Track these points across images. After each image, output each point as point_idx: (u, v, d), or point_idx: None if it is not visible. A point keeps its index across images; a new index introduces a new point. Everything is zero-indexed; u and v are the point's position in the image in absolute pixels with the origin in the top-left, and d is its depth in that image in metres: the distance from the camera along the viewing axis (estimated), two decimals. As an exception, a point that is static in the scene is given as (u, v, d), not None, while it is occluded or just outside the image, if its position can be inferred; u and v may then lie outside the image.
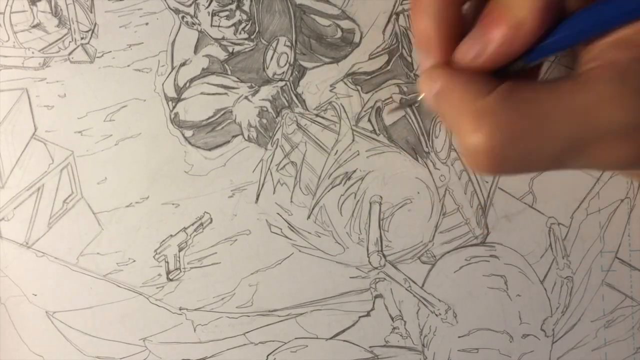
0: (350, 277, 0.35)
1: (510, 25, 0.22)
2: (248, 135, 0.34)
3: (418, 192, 0.34)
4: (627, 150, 0.22)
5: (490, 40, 0.22)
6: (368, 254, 0.34)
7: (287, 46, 0.34)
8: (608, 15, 0.22)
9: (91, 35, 0.34)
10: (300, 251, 0.34)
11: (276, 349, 0.35)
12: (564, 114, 0.21)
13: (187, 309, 0.35)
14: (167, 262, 0.34)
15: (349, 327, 0.35)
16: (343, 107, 0.34)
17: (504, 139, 0.22)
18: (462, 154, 0.24)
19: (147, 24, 0.34)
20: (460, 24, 0.25)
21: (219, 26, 0.34)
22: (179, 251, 0.34)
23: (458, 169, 0.34)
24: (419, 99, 0.26)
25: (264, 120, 0.34)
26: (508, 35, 0.22)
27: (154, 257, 0.34)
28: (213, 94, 0.34)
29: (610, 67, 0.21)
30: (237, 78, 0.34)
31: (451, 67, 0.24)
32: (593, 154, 0.22)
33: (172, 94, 0.34)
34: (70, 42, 0.34)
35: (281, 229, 0.34)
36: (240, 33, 0.34)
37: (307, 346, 0.35)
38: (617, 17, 0.22)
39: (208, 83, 0.34)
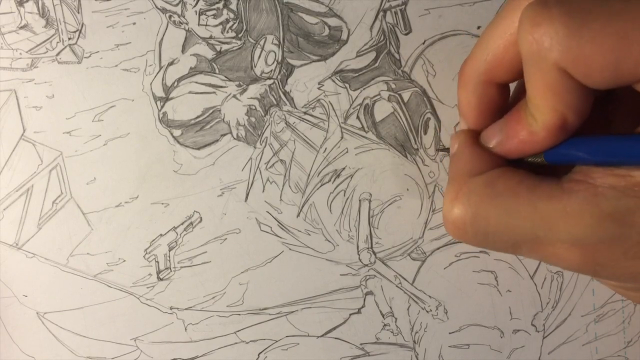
0: (341, 275, 0.35)
1: (527, 132, 0.24)
2: (237, 134, 0.34)
3: (407, 189, 0.34)
4: (574, 259, 0.24)
5: (508, 137, 0.25)
6: (358, 252, 0.35)
7: (275, 44, 0.34)
8: (604, 152, 0.23)
9: (79, 35, 0.34)
10: (290, 249, 0.34)
11: (267, 347, 0.35)
12: (529, 214, 0.24)
13: (177, 309, 0.35)
14: (157, 262, 0.34)
15: (340, 325, 0.35)
16: (331, 104, 0.34)
17: (469, 218, 0.25)
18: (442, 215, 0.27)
19: (134, 23, 0.34)
20: (501, 102, 0.28)
21: (206, 25, 0.34)
22: (169, 250, 0.34)
23: (447, 166, 0.34)
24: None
25: (253, 119, 0.34)
26: (523, 139, 0.25)
27: (144, 256, 0.34)
28: (201, 93, 0.34)
29: (588, 186, 0.23)
30: (225, 77, 0.34)
31: (474, 136, 0.28)
32: (545, 253, 0.24)
33: (160, 93, 0.34)
34: (57, 42, 0.34)
35: (271, 227, 0.34)
36: (227, 32, 0.34)
37: (298, 344, 0.35)
38: (613, 156, 0.23)
39: (196, 82, 0.34)
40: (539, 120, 0.24)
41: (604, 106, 0.25)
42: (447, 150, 0.34)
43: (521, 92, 0.28)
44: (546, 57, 0.22)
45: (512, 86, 0.28)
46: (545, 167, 0.26)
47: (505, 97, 0.28)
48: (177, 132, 0.34)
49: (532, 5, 0.22)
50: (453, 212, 0.26)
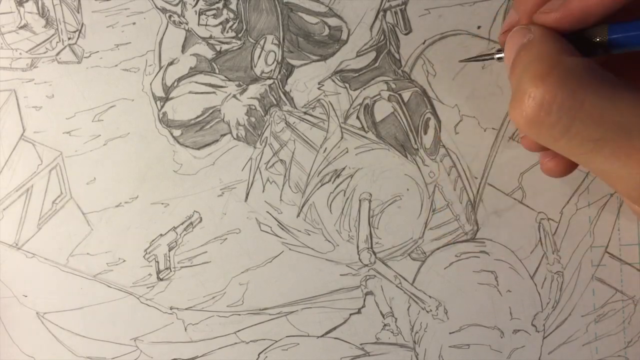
0: (341, 275, 0.35)
1: None
2: (237, 134, 0.34)
3: (407, 189, 0.34)
4: None
5: None
6: (358, 252, 0.34)
7: (275, 44, 0.34)
8: None
9: (78, 35, 0.34)
10: (290, 249, 0.34)
11: (267, 347, 0.35)
12: (628, 108, 0.22)
13: (177, 309, 0.35)
14: (157, 262, 0.34)
15: (340, 325, 0.35)
16: (331, 104, 0.34)
17: (561, 99, 0.22)
18: (511, 102, 0.24)
19: (134, 23, 0.34)
20: None
21: (206, 25, 0.34)
22: (169, 250, 0.34)
23: (447, 166, 0.34)
24: (497, 55, 0.28)
25: (253, 119, 0.34)
26: None
27: (144, 256, 0.34)
28: (201, 92, 0.34)
29: None
30: (225, 77, 0.34)
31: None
32: (632, 158, 0.22)
33: (160, 93, 0.34)
34: (57, 42, 0.34)
35: (271, 228, 0.34)
36: (227, 32, 0.34)
37: (298, 344, 0.35)
38: None
39: (196, 82, 0.34)
40: None
41: None
42: (477, 58, 0.32)
43: None
44: None
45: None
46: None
47: None
48: (177, 132, 0.34)
49: None
50: (539, 91, 0.23)
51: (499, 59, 0.29)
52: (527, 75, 0.23)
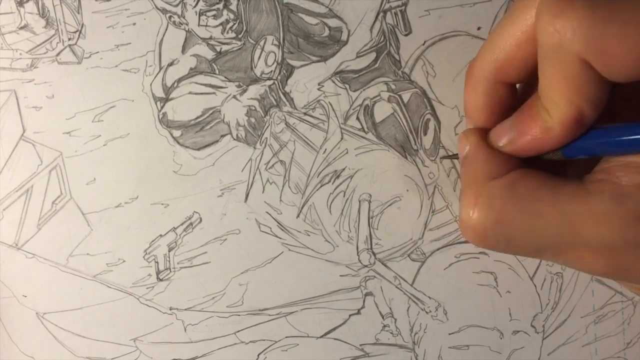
0: (340, 276, 0.35)
1: (541, 128, 0.24)
2: (237, 135, 0.34)
3: (407, 190, 0.34)
4: (600, 264, 0.23)
5: (520, 134, 0.24)
6: (358, 252, 0.35)
7: (275, 45, 0.34)
8: (621, 140, 0.23)
9: (78, 36, 0.34)
10: (290, 250, 0.34)
11: (267, 348, 0.35)
12: (554, 218, 0.23)
13: (177, 309, 0.35)
14: (157, 262, 0.34)
15: (339, 326, 0.35)
16: (331, 105, 0.34)
17: (490, 224, 0.24)
18: (459, 219, 0.26)
19: (134, 24, 0.34)
20: (509, 102, 0.27)
21: (206, 26, 0.34)
22: (169, 251, 0.34)
23: (447, 166, 0.34)
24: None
25: (253, 120, 0.34)
26: (537, 136, 0.24)
27: (143, 257, 0.34)
28: (201, 93, 0.34)
29: (614, 186, 0.22)
30: (225, 77, 0.34)
31: (485, 136, 0.27)
32: (569, 258, 0.24)
33: (160, 94, 0.34)
34: (57, 43, 0.34)
35: (270, 228, 0.34)
36: (227, 32, 0.34)
37: (297, 345, 0.35)
38: (629, 144, 0.22)
39: (196, 83, 0.34)
40: (554, 115, 0.23)
41: (611, 97, 0.25)
42: (451, 157, 0.34)
43: (527, 91, 0.28)
44: (568, 48, 0.21)
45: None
46: (559, 164, 0.26)
47: (513, 96, 0.27)
48: (177, 133, 0.34)
49: None
50: (473, 218, 0.25)
51: None
52: (462, 201, 0.26)
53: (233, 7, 0.34)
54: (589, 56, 0.21)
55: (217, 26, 0.34)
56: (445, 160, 0.34)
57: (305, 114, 0.34)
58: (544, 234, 0.24)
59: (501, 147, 0.26)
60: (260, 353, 0.35)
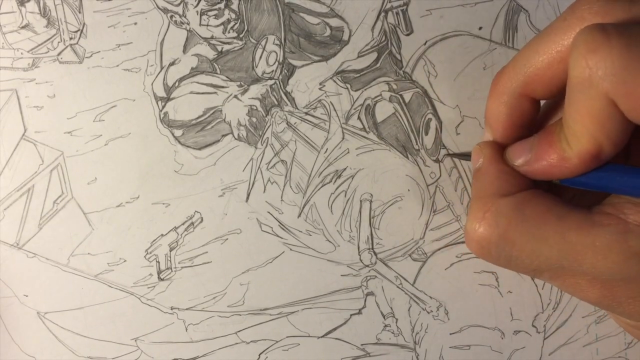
0: (342, 275, 0.35)
1: (558, 156, 0.24)
2: (238, 134, 0.34)
3: (408, 190, 0.34)
4: (595, 294, 0.24)
5: (537, 158, 0.25)
6: (359, 252, 0.34)
7: (276, 45, 0.34)
8: (630, 183, 0.23)
9: (80, 35, 0.34)
10: (291, 250, 0.34)
11: (268, 348, 0.35)
12: (557, 243, 0.24)
13: (178, 309, 0.35)
14: (158, 262, 0.34)
15: (340, 325, 0.35)
16: (332, 105, 0.34)
17: (495, 240, 0.25)
18: (465, 231, 0.27)
19: (135, 23, 0.34)
20: (530, 117, 0.27)
21: (207, 25, 0.34)
22: (170, 251, 0.34)
23: (448, 166, 0.34)
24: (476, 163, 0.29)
25: (254, 119, 0.34)
26: (553, 163, 0.24)
27: (144, 256, 0.34)
28: (202, 93, 0.34)
29: (619, 221, 0.23)
30: (227, 77, 0.34)
31: (500, 152, 0.27)
32: (566, 283, 0.25)
33: (161, 93, 0.34)
34: (59, 42, 0.34)
35: (272, 228, 0.34)
36: (229, 32, 0.34)
37: (299, 344, 0.35)
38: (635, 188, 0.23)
39: (197, 82, 0.34)
40: (574, 146, 0.23)
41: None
42: (457, 155, 0.34)
43: (551, 111, 0.28)
44: (597, 85, 0.21)
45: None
46: (569, 188, 0.26)
47: (535, 112, 0.27)
48: (178, 132, 0.34)
49: (590, 29, 0.21)
50: (478, 232, 0.26)
51: None
52: (470, 213, 0.26)
53: (234, 6, 0.34)
54: (616, 96, 0.21)
55: (218, 26, 0.34)
56: (447, 159, 0.34)
57: (306, 113, 0.34)
58: (545, 258, 0.24)
59: (516, 166, 0.26)
60: (261, 353, 0.35)
